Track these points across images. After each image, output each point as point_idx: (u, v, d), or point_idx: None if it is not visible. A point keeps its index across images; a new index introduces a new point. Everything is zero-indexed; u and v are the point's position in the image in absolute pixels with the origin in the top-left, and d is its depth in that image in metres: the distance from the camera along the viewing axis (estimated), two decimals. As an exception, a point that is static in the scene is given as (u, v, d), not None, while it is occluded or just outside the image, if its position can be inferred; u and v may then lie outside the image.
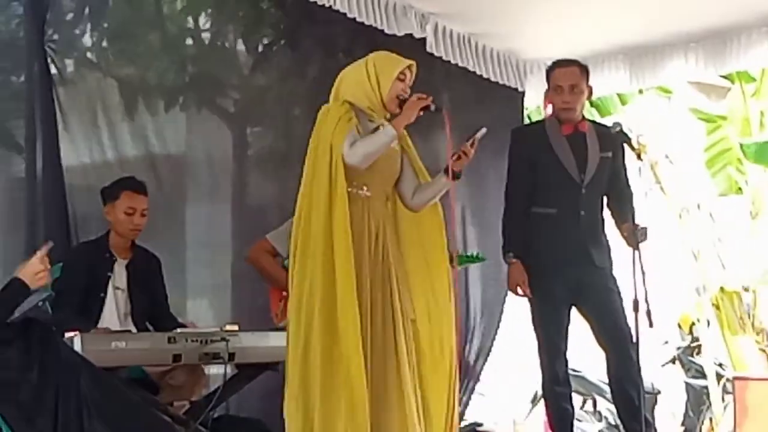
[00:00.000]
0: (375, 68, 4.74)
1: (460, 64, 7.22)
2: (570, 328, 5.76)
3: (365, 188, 4.70)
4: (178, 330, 5.22)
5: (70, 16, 6.35)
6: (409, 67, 4.75)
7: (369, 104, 4.72)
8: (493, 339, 8.14)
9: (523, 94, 8.02)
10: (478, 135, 4.72)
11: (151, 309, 5.65)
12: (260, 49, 7.16)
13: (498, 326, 8.16)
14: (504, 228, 5.84)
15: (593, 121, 6.09)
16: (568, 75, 5.75)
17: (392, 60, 4.77)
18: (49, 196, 5.73)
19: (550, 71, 5.86)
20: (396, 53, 4.88)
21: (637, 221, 5.38)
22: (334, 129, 4.59)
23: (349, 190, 4.64)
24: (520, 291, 5.66)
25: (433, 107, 4.68)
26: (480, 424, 9.54)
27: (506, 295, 8.00)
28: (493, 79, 7.50)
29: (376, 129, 4.69)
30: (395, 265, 4.75)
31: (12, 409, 4.46)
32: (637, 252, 5.25)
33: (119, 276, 5.55)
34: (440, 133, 5.13)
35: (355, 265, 4.56)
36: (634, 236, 5.29)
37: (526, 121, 9.02)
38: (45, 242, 4.63)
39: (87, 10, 6.41)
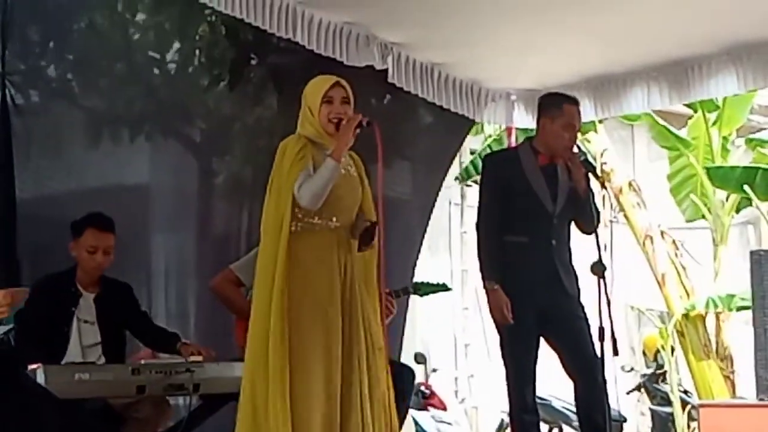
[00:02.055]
0: (306, 98, 4.72)
1: (420, 95, 7.15)
2: (539, 355, 5.74)
3: (334, 219, 4.68)
4: (142, 362, 5.19)
5: (35, 47, 6.32)
6: (335, 86, 4.69)
7: (315, 133, 4.69)
8: (400, 353, 8.07)
9: (471, 123, 7.98)
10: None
11: (136, 333, 5.60)
12: (224, 79, 7.14)
13: (400, 350, 8.10)
14: (481, 256, 5.80)
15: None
16: (578, 115, 5.77)
17: (317, 85, 4.71)
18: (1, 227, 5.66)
19: (555, 104, 5.78)
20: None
21: (597, 255, 5.43)
22: (288, 169, 4.58)
23: (320, 222, 4.64)
24: (504, 317, 5.59)
25: (365, 123, 4.64)
26: (447, 453, 9.54)
27: (405, 321, 7.94)
28: (453, 109, 7.43)
29: None
30: (362, 293, 4.72)
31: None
32: (602, 281, 5.30)
33: (86, 309, 5.45)
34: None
35: (328, 296, 4.57)
36: (597, 270, 5.33)
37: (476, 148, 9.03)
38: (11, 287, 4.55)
39: (52, 42, 6.38)
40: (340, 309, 4.61)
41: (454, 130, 7.90)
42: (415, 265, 7.81)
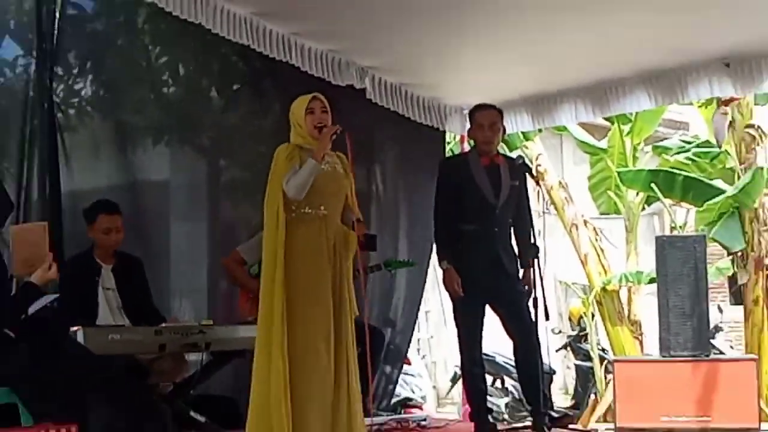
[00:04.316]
0: (293, 113, 4.78)
1: (392, 109, 7.23)
2: (485, 321, 5.79)
3: (322, 208, 4.68)
4: (163, 324, 5.21)
5: (75, 70, 6.31)
6: (314, 99, 4.74)
7: (303, 141, 4.72)
8: (413, 329, 8.11)
9: (444, 133, 8.04)
10: None
11: (139, 302, 5.57)
12: (230, 95, 7.15)
13: (416, 318, 8.12)
14: (437, 243, 5.91)
15: (505, 155, 6.15)
16: (487, 115, 5.82)
17: (299, 102, 4.76)
18: (48, 219, 5.60)
19: (472, 113, 5.92)
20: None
21: (532, 240, 5.58)
22: (280, 168, 4.60)
23: (310, 211, 4.65)
24: (456, 291, 5.65)
25: (338, 131, 4.65)
26: (411, 399, 9.57)
27: (422, 294, 7.98)
28: (419, 121, 7.50)
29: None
30: (346, 271, 4.72)
31: (26, 393, 4.40)
32: (536, 261, 5.36)
33: (107, 279, 5.48)
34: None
35: (318, 274, 4.57)
36: (532, 252, 5.43)
37: (448, 154, 9.07)
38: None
39: (89, 65, 6.37)
40: (330, 284, 4.61)
41: (435, 138, 7.95)
42: (430, 257, 7.72)
